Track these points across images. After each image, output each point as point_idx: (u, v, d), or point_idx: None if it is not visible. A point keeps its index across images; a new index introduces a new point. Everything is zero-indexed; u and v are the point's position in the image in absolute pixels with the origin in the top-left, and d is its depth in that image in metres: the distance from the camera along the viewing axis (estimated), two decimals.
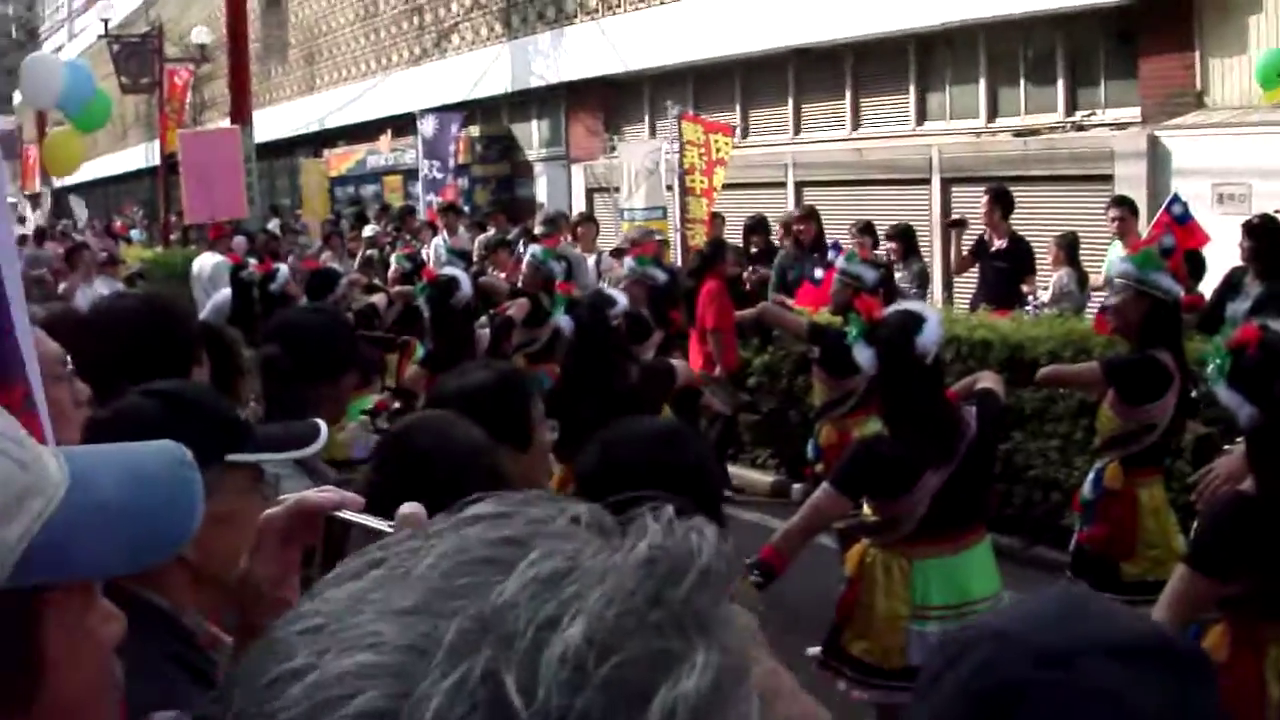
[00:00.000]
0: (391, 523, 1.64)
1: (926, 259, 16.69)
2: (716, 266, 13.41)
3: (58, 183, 65.14)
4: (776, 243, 16.41)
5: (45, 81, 21.27)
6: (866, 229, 15.37)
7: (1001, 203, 14.74)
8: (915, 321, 6.35)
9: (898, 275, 14.19)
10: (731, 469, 13.89)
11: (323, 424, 3.14)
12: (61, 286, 17.84)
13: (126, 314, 4.39)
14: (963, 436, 6.25)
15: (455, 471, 3.29)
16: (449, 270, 11.46)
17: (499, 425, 4.05)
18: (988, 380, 6.92)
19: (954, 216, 16.26)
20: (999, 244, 14.61)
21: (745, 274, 15.60)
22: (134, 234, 45.33)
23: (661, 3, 24.94)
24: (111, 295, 4.81)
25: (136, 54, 41.73)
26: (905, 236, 15.26)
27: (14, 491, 1.42)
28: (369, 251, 22.71)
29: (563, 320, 8.79)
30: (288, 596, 1.79)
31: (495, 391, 4.34)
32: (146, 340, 4.16)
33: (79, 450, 1.60)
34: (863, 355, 6.56)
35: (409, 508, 1.64)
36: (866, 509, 6.55)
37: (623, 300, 8.93)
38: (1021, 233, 14.79)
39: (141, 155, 53.39)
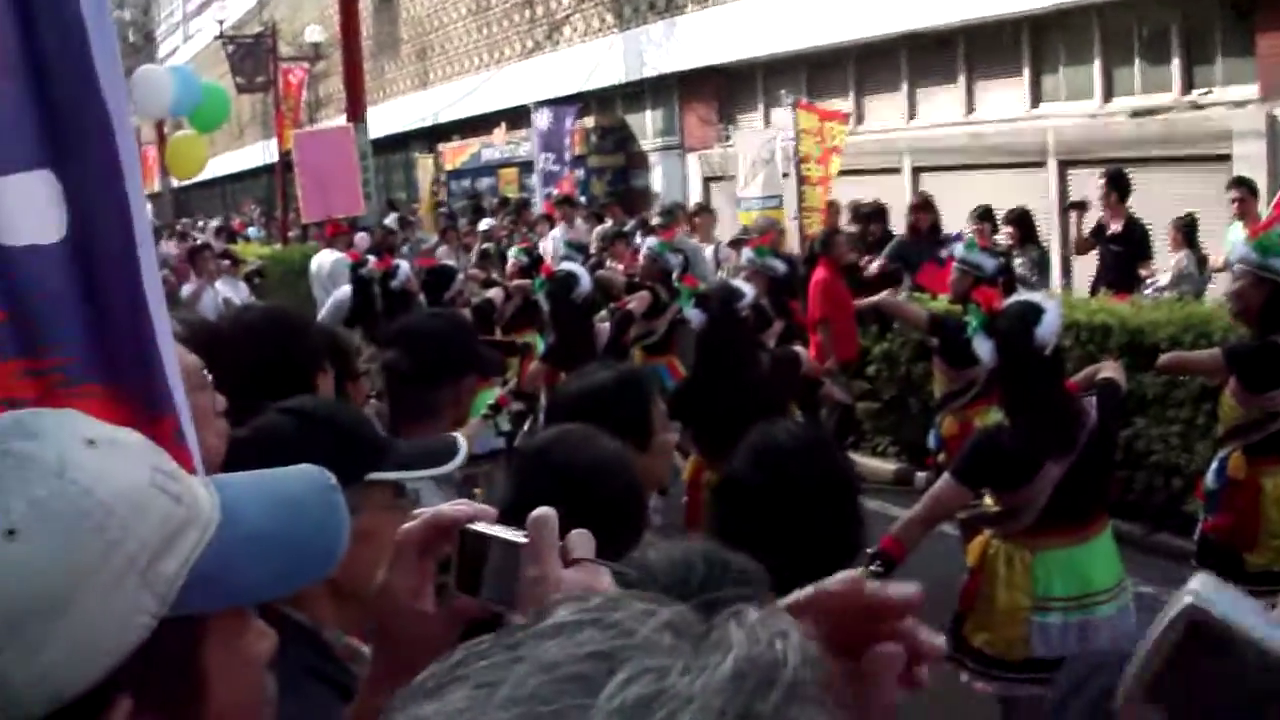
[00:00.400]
0: (525, 533, 1.69)
1: (1045, 243, 16.60)
2: (829, 255, 13.41)
3: (176, 183, 65.89)
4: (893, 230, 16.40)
5: (155, 93, 21.56)
6: (985, 215, 15.32)
7: (1118, 186, 14.65)
8: (1034, 313, 6.37)
9: (1016, 261, 14.14)
10: (853, 457, 13.92)
11: (461, 439, 3.21)
12: (185, 288, 18.09)
13: (252, 328, 4.50)
14: (1083, 427, 6.26)
15: (594, 487, 3.39)
16: (567, 265, 11.56)
17: (620, 425, 4.14)
18: (1109, 370, 6.90)
19: (1074, 199, 16.15)
20: (1115, 227, 14.53)
21: (862, 261, 15.60)
22: (251, 231, 45.76)
23: None
24: (237, 308, 4.89)
25: (251, 54, 42.13)
26: (1023, 221, 15.18)
27: (171, 527, 1.50)
28: (485, 245, 22.85)
29: (692, 313, 8.85)
30: (424, 607, 1.82)
31: (616, 391, 4.42)
32: (272, 354, 4.28)
33: (228, 480, 1.67)
34: (982, 347, 6.57)
35: (541, 512, 1.69)
36: (988, 499, 6.58)
37: (750, 291, 8.97)
38: (1139, 215, 14.69)
39: (258, 153, 53.80)
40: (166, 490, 1.52)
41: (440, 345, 5.12)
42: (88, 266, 2.23)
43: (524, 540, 1.70)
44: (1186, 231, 14.23)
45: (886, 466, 14.04)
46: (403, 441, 3.14)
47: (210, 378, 3.44)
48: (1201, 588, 1.05)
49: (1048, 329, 6.30)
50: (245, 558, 1.57)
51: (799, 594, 1.21)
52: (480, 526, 1.77)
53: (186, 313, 6.52)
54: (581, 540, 1.71)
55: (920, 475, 12.66)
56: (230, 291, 17.41)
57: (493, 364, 5.61)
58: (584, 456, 3.52)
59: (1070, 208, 15.69)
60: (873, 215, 16.65)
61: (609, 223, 20.44)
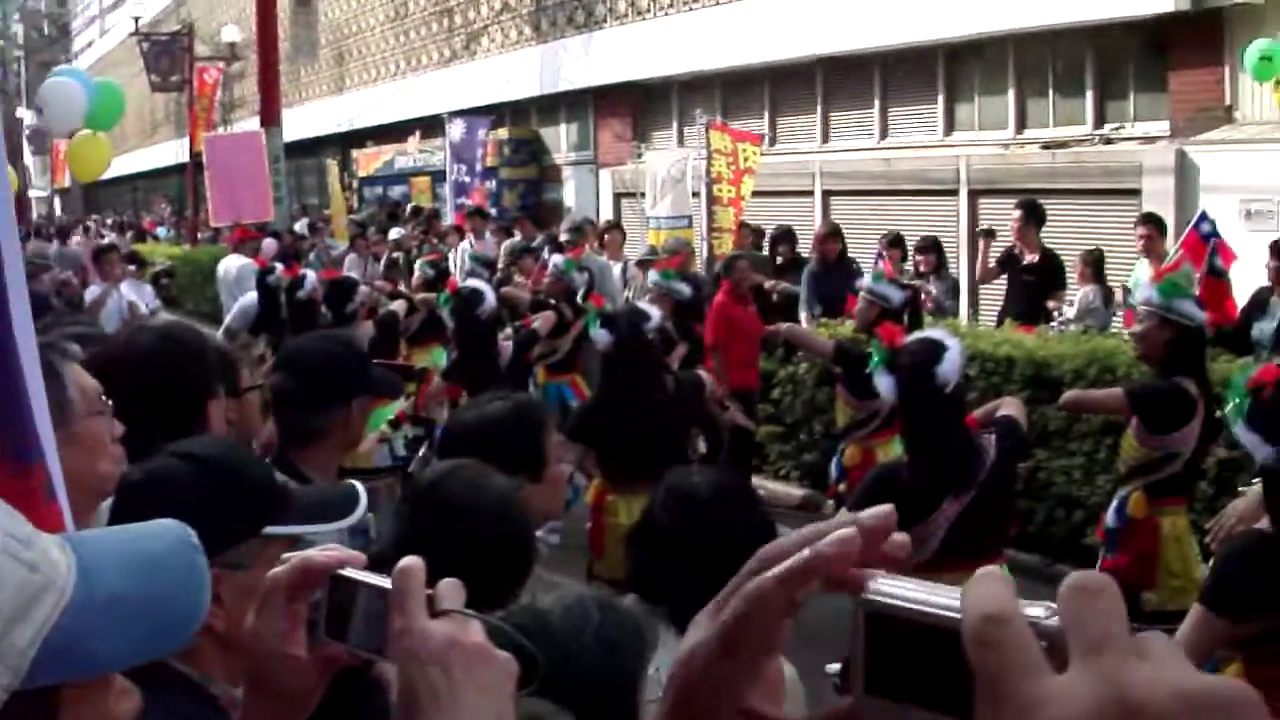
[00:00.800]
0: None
1: (954, 271, 16.66)
2: (730, 279, 13.31)
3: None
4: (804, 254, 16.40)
5: (67, 106, 21.32)
6: (896, 241, 15.38)
7: (1034, 216, 14.72)
8: (936, 351, 6.36)
9: (932, 289, 14.18)
10: (757, 480, 13.92)
11: (361, 490, 3.15)
12: (89, 290, 17.88)
13: (145, 350, 4.41)
14: (982, 465, 6.26)
15: (482, 527, 3.34)
16: (472, 282, 11.51)
17: (513, 458, 4.09)
18: (1009, 407, 6.90)
19: (983, 227, 16.19)
20: (1030, 258, 14.57)
21: (768, 285, 15.60)
22: (161, 231, 45.52)
23: (690, 9, 24.96)
24: (131, 327, 4.79)
25: (167, 52, 41.95)
26: (937, 248, 15.24)
27: (25, 596, 1.41)
28: (395, 254, 22.76)
29: (598, 334, 8.79)
30: (294, 651, 1.79)
31: (511, 424, 4.39)
32: (165, 378, 4.19)
33: (85, 538, 1.56)
34: (883, 383, 6.57)
35: (406, 562, 1.65)
36: None
37: (656, 314, 8.96)
38: (1048, 247, 14.75)
39: (171, 152, 53.56)
40: (19, 558, 1.43)
41: (325, 368, 5.02)
42: None
43: (389, 588, 1.66)
44: (1095, 265, 14.31)
45: (794, 491, 13.99)
46: (301, 491, 3.04)
47: (109, 403, 3.36)
48: (871, 584, 1.07)
49: (949, 367, 6.29)
50: (102, 625, 1.48)
51: (789, 564, 1.09)
52: (349, 572, 1.74)
53: (86, 324, 6.36)
54: (450, 590, 1.68)
55: (830, 502, 12.61)
56: (135, 295, 17.12)
57: (389, 385, 5.52)
58: (474, 496, 3.47)
59: (979, 235, 15.71)
60: (780, 238, 16.64)
61: (518, 237, 20.37)
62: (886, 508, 1.08)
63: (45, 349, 3.32)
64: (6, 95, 68.09)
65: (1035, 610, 0.98)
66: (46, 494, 2.21)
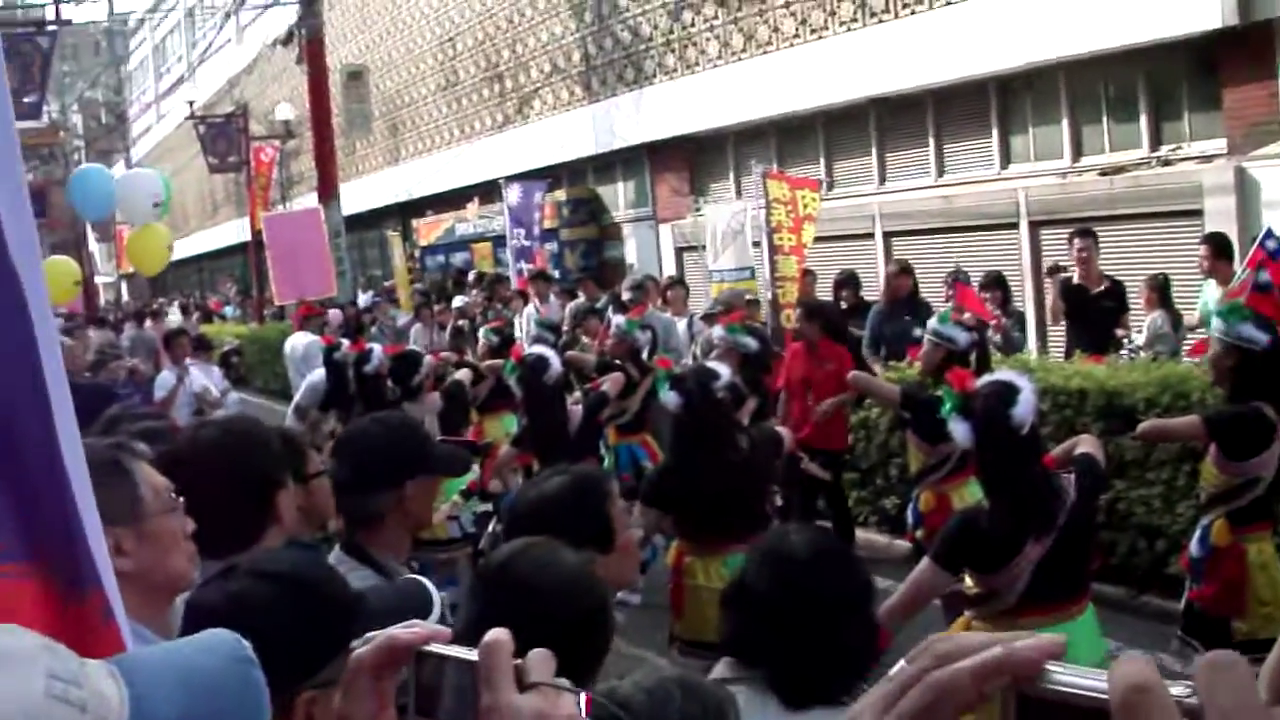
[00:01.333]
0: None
1: (1019, 305, 16.56)
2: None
3: None
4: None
5: (142, 197, 21.53)
6: (963, 279, 15.26)
7: (1094, 239, 14.64)
8: (1010, 393, 6.29)
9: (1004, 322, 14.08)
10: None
11: (432, 588, 3.15)
12: (162, 374, 18.02)
13: (210, 446, 4.42)
14: (1062, 505, 6.20)
15: (557, 605, 3.33)
16: (537, 348, 11.51)
17: (581, 534, 4.09)
18: (1086, 445, 6.83)
19: (1051, 264, 15.92)
20: (1100, 286, 14.45)
21: None
22: (228, 310, 45.86)
23: (738, 59, 25.02)
24: (192, 427, 4.78)
25: (223, 134, 42.35)
26: (1002, 284, 15.16)
27: None
28: (459, 322, 22.82)
29: (667, 396, 8.75)
30: None
31: (572, 500, 4.37)
32: (230, 474, 4.20)
33: (138, 663, 1.53)
34: (958, 430, 6.50)
35: (492, 635, 1.64)
36: (968, 581, 6.50)
37: (725, 372, 8.88)
38: (1113, 274, 14.65)
39: (233, 232, 54.07)
40: (67, 699, 1.39)
41: (374, 452, 5.03)
42: (5, 444, 2.13)
43: (477, 660, 1.65)
44: (1160, 290, 14.20)
45: (878, 538, 13.89)
46: (374, 595, 3.03)
47: (180, 500, 3.38)
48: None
49: (1024, 409, 6.22)
50: None
51: (985, 659, 1.15)
52: (435, 647, 1.72)
53: (154, 419, 6.40)
54: (540, 662, 1.66)
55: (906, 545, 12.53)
56: (205, 378, 17.17)
57: (452, 462, 5.49)
58: (546, 574, 3.44)
59: (1050, 272, 15.46)
60: (844, 282, 16.60)
61: (581, 298, 20.38)
62: (1061, 640, 1.14)
63: (115, 449, 3.35)
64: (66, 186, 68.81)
65: (1177, 690, 1.04)
66: (104, 616, 2.19)
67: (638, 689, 2.73)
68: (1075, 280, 14.66)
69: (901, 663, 1.26)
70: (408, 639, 1.73)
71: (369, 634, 1.79)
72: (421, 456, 5.13)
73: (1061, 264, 15.46)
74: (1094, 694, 1.10)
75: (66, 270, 24.38)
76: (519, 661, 1.65)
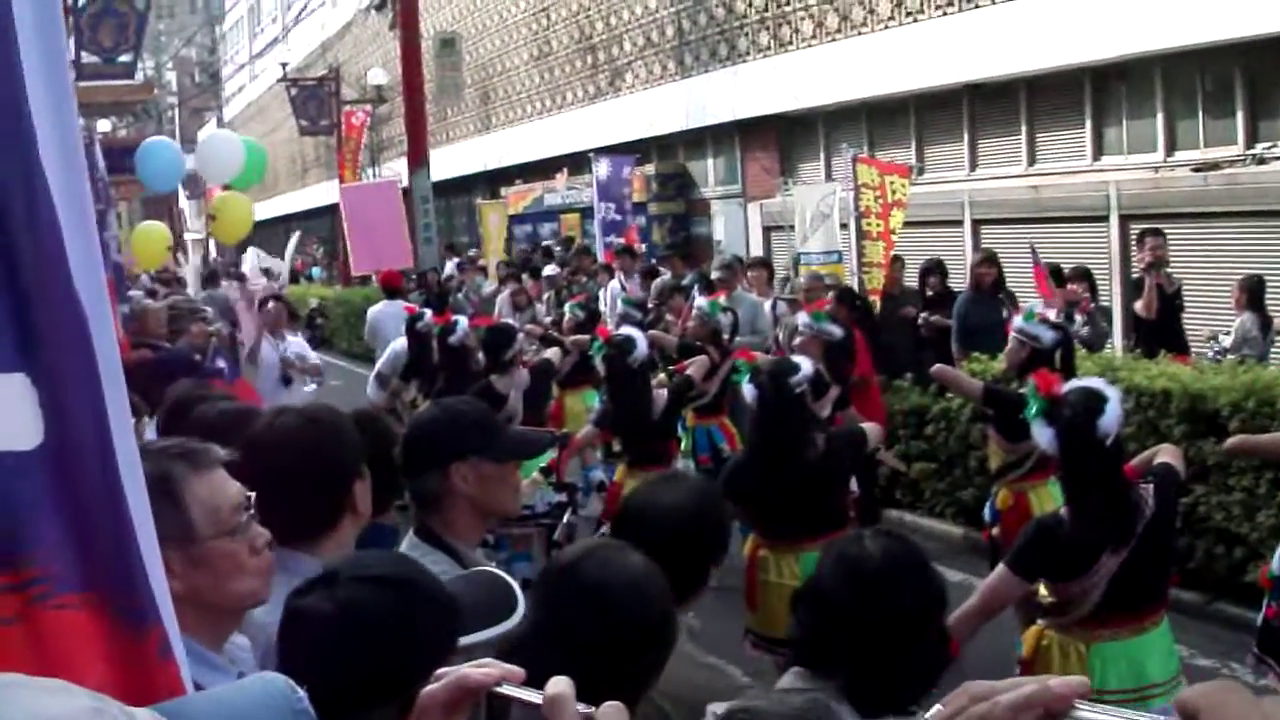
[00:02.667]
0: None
1: (1105, 300, 16.43)
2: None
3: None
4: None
5: (224, 161, 21.74)
6: (1053, 273, 15.15)
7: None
8: (1097, 402, 6.27)
9: (1081, 320, 13.96)
10: (918, 519, 13.87)
11: (515, 586, 3.16)
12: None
13: (286, 434, 4.36)
14: (1141, 517, 6.19)
15: (622, 606, 3.35)
16: (625, 329, 11.53)
17: (700, 543, 4.13)
18: (1166, 454, 6.77)
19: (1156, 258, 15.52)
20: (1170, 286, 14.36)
21: (920, 320, 15.53)
22: (314, 271, 46.06)
23: (833, 39, 24.90)
24: (271, 412, 4.68)
25: (314, 97, 42.57)
26: (1089, 277, 15.05)
27: None
28: (548, 294, 22.86)
29: (746, 389, 8.74)
30: None
31: (695, 509, 4.36)
32: (307, 463, 4.18)
33: (189, 712, 1.56)
34: (1042, 435, 6.47)
35: (557, 690, 1.64)
36: (1043, 589, 6.49)
37: (806, 366, 8.85)
38: (1205, 274, 14.50)
39: (322, 194, 54.19)
40: None
41: (421, 436, 4.98)
42: (66, 474, 2.14)
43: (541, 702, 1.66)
44: (1252, 292, 14.04)
45: (955, 530, 13.90)
46: (461, 593, 3.02)
47: (249, 509, 3.29)
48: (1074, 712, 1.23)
49: (1110, 419, 6.20)
50: None
51: (1020, 696, 1.24)
52: (506, 689, 1.73)
53: (225, 403, 6.24)
54: (612, 716, 1.65)
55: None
56: (300, 348, 16.61)
57: (520, 446, 5.43)
58: (615, 575, 3.45)
59: (1149, 268, 15.15)
60: (930, 269, 16.52)
61: (667, 275, 20.34)
62: (1086, 681, 1.22)
63: (169, 460, 3.25)
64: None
65: None
66: (161, 655, 2.18)
67: (784, 706, 2.72)
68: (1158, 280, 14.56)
69: (937, 706, 1.31)
70: (479, 680, 1.75)
71: (440, 670, 1.81)
72: (473, 439, 5.10)
73: (1160, 259, 15.11)
74: None
75: (160, 236, 24.65)
76: (589, 711, 1.65)
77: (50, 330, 2.13)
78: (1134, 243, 15.51)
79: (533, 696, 1.68)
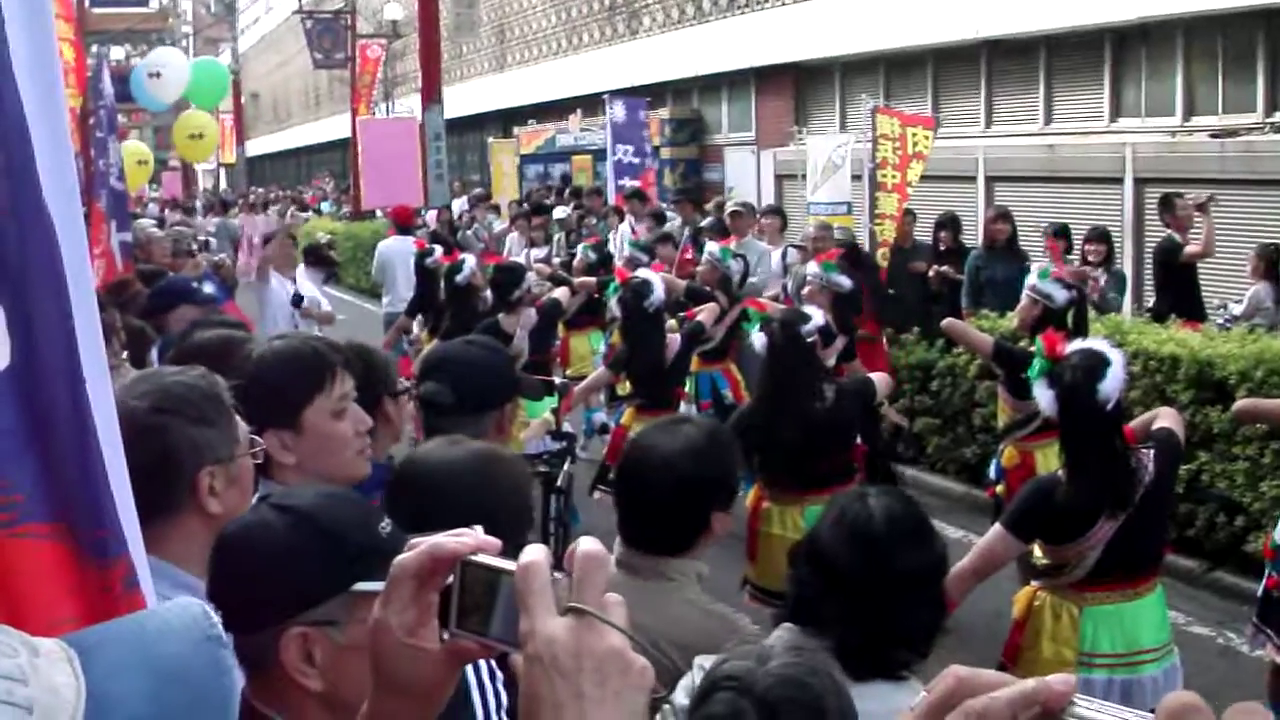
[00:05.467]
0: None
1: (1118, 263, 16.32)
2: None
3: (251, 150, 65.98)
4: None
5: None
6: (1062, 232, 15.06)
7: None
8: (1100, 366, 6.20)
9: (1101, 279, 13.88)
10: (920, 474, 13.82)
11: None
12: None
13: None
14: (1140, 482, 6.13)
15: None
16: (643, 273, 11.48)
17: (707, 485, 4.08)
18: (1166, 419, 6.67)
19: (1198, 200, 15.18)
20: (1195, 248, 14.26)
21: (931, 272, 15.46)
22: (324, 205, 46.09)
23: None
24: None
25: (329, 30, 42.46)
26: (1106, 239, 14.96)
27: None
28: (558, 235, 22.82)
29: (756, 337, 8.70)
30: (423, 644, 1.70)
31: (705, 450, 4.29)
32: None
33: (100, 642, 1.41)
34: (1043, 395, 6.41)
35: (529, 557, 1.59)
36: (1037, 550, 6.43)
37: (818, 316, 8.82)
38: (1219, 242, 14.39)
39: (334, 127, 54.17)
40: (13, 700, 1.29)
41: (479, 376, 5.00)
42: (33, 400, 2.09)
43: (511, 571, 1.61)
44: (1268, 261, 13.94)
45: (957, 487, 13.83)
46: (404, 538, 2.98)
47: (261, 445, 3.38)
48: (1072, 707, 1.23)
49: (1111, 384, 6.13)
50: None
51: (1017, 691, 1.23)
52: (484, 558, 1.66)
53: (229, 328, 6.19)
54: (589, 579, 1.58)
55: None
56: (313, 287, 16.20)
57: (534, 388, 5.48)
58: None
59: (1199, 207, 14.81)
60: (944, 224, 16.41)
61: (678, 219, 20.26)
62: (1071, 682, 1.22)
63: (209, 379, 3.32)
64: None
65: None
66: (126, 586, 2.16)
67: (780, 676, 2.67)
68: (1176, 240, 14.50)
69: (922, 691, 1.28)
70: (453, 547, 1.67)
71: (414, 540, 1.73)
72: (517, 381, 5.15)
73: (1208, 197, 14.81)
74: None
75: (132, 151, 24.65)
76: (561, 577, 1.58)
77: (18, 250, 2.06)
78: (1158, 206, 15.30)
79: (506, 564, 1.63)
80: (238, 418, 3.34)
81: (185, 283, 10.43)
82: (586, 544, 1.59)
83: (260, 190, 52.63)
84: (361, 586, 2.54)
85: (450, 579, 1.68)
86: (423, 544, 1.70)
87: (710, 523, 4.15)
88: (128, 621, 1.60)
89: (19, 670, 1.32)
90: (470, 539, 1.69)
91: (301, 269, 15.22)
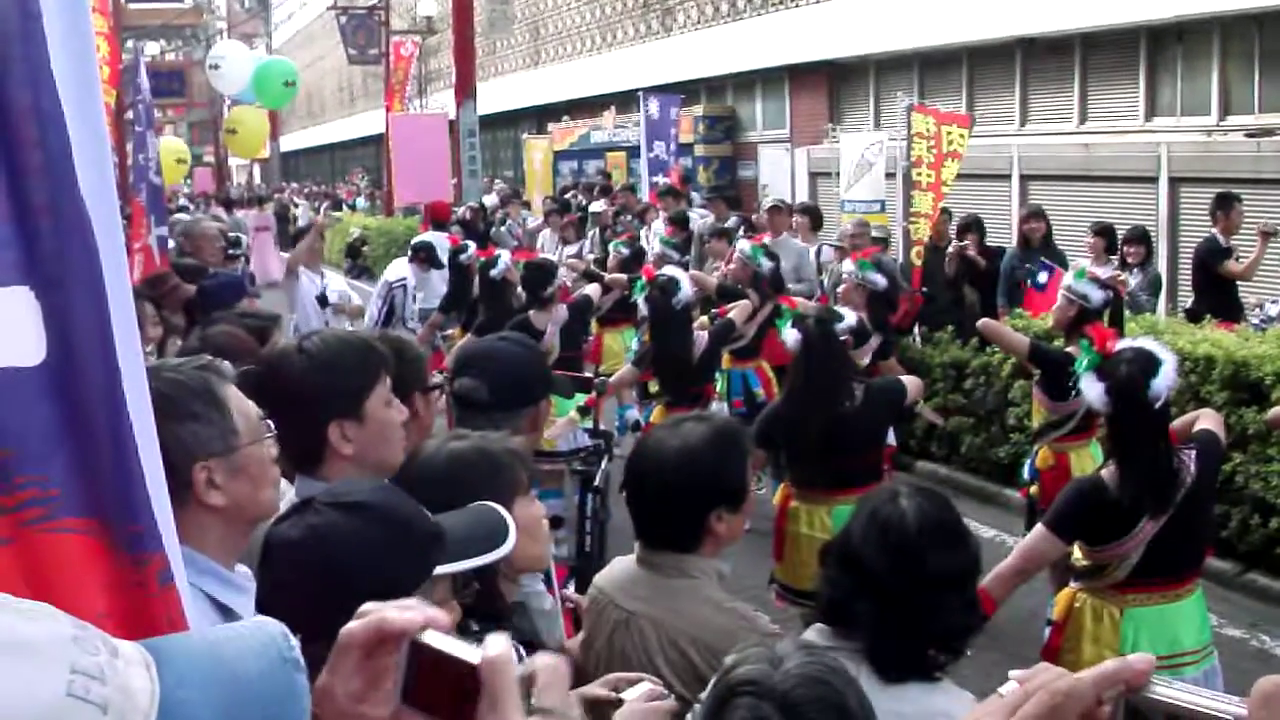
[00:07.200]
0: (478, 650, 1.58)
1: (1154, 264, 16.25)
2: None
3: (285, 146, 66.09)
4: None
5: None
6: (1103, 232, 14.97)
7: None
8: (1152, 364, 6.16)
9: (1134, 281, 13.82)
10: (953, 473, 13.80)
11: (510, 520, 3.12)
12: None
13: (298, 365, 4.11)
14: (1182, 483, 6.10)
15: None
16: (669, 270, 11.46)
17: (717, 483, 4.05)
18: (1207, 420, 6.64)
19: (1267, 226, 15.16)
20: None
21: (950, 245, 15.50)
22: (358, 201, 46.20)
23: None
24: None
25: (364, 26, 42.54)
26: (1145, 240, 14.90)
27: None
28: (593, 231, 22.81)
29: (789, 334, 8.67)
30: (372, 713, 1.67)
31: (714, 451, 4.24)
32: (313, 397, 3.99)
33: (179, 652, 1.42)
34: (1091, 390, 6.36)
35: (498, 654, 1.58)
36: (1077, 551, 6.40)
37: (851, 316, 8.82)
38: (1254, 242, 14.31)
39: (368, 123, 54.28)
40: (89, 698, 1.29)
41: (515, 373, 5.00)
42: (69, 395, 2.08)
43: (477, 663, 1.58)
44: None
45: (991, 486, 13.76)
46: (450, 523, 2.97)
47: (270, 426, 3.32)
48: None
49: (1163, 382, 6.09)
50: None
51: (1103, 671, 1.39)
52: (431, 639, 1.63)
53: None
54: (551, 680, 1.63)
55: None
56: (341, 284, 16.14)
57: (564, 385, 5.49)
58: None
59: (1265, 234, 14.75)
60: (969, 226, 16.36)
61: (710, 217, 20.20)
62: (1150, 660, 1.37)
63: (203, 369, 3.29)
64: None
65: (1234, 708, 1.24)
66: (160, 582, 2.15)
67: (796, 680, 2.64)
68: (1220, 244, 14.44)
69: (1013, 682, 1.33)
70: (399, 624, 1.65)
71: (362, 608, 1.71)
72: (549, 377, 5.17)
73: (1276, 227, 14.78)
74: (1194, 707, 1.30)
75: (171, 149, 24.74)
76: (525, 672, 1.60)
77: (56, 245, 2.06)
78: (1213, 204, 15.16)
79: (464, 652, 1.60)
80: (251, 405, 3.29)
81: (239, 279, 10.48)
82: (542, 658, 1.67)
83: (294, 185, 52.73)
84: (438, 571, 2.63)
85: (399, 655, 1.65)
86: (371, 616, 1.68)
87: (709, 524, 4.10)
88: (203, 634, 1.61)
89: (98, 669, 1.32)
90: (416, 615, 1.66)
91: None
